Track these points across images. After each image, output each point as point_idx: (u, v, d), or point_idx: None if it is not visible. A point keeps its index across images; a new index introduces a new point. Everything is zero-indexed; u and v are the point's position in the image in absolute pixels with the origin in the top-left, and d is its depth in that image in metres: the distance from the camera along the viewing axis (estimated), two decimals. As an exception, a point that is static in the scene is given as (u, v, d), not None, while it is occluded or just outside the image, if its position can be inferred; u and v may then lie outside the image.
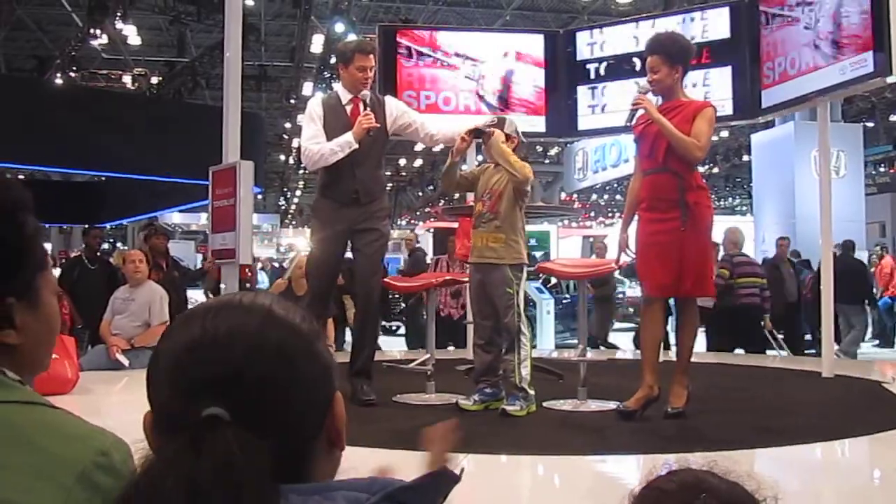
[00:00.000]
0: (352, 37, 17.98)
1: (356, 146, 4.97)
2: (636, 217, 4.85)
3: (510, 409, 4.56)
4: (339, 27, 17.40)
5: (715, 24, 7.03)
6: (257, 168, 6.89)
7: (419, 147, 27.54)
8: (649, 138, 4.65)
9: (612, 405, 4.82)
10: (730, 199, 41.70)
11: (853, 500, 3.32)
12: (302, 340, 0.95)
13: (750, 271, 8.61)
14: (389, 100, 5.47)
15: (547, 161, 31.22)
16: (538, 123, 7.68)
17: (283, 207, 47.51)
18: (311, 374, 0.94)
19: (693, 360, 4.82)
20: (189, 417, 0.85)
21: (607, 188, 37.01)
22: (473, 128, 4.98)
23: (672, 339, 5.82)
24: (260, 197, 35.64)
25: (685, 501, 1.06)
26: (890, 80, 5.62)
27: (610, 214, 42.55)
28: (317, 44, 19.05)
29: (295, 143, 30.67)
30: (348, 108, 5.13)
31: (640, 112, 4.72)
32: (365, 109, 5.10)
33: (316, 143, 5.04)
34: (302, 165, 34.20)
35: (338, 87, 5.33)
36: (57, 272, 7.76)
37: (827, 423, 4.47)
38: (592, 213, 43.79)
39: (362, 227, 5.09)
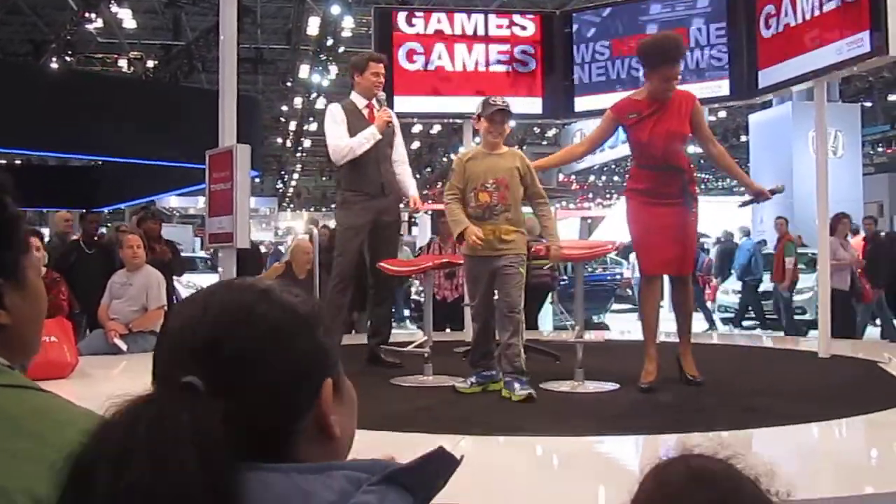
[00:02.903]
0: (347, 18, 17.95)
1: (380, 136, 5.69)
2: (627, 201, 5.15)
3: (523, 394, 4.49)
4: (335, 9, 17.33)
5: (710, 3, 7.00)
6: (254, 151, 6.86)
7: (416, 129, 27.50)
8: (659, 140, 4.88)
9: (609, 386, 4.86)
10: (727, 179, 41.63)
11: (850, 479, 3.34)
12: (297, 321, 0.97)
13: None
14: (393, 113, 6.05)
15: (545, 142, 31.17)
16: (535, 105, 7.67)
17: (281, 190, 47.44)
18: (300, 356, 0.95)
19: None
20: (170, 383, 0.88)
21: (605, 169, 36.99)
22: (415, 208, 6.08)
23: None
24: (257, 180, 35.61)
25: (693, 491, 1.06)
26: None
27: (608, 196, 42.53)
28: (313, 26, 18.96)
29: (292, 126, 30.65)
30: (365, 112, 5.83)
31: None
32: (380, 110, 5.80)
33: (343, 139, 5.68)
34: (300, 149, 34.21)
35: (353, 95, 5.94)
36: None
37: (824, 403, 4.48)
38: (590, 195, 43.78)
39: (386, 218, 5.82)
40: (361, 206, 5.75)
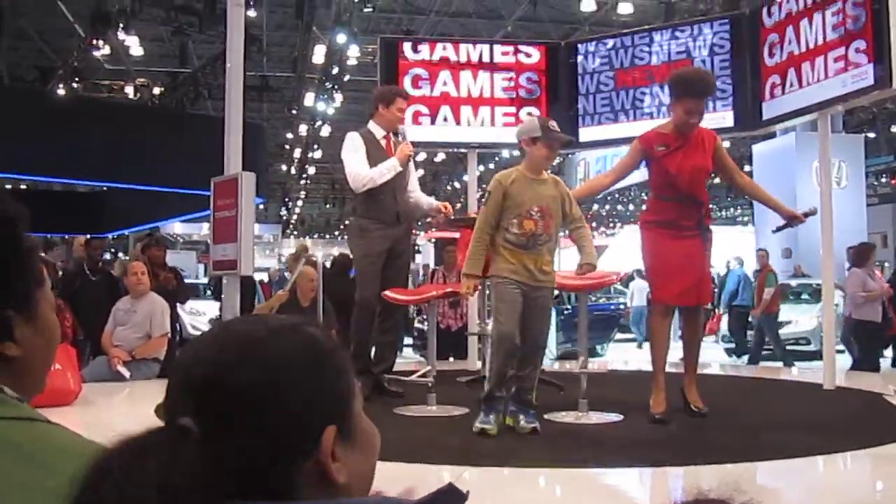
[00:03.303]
0: (353, 47, 18.06)
1: (400, 169, 5.80)
2: (640, 231, 5.20)
3: (527, 427, 4.44)
4: (341, 38, 17.43)
5: (716, 34, 7.03)
6: (259, 179, 6.88)
7: (420, 157, 27.59)
8: (686, 174, 4.95)
9: (613, 417, 4.84)
10: (731, 209, 41.68)
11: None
12: (307, 362, 0.94)
13: None
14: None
15: (548, 171, 31.21)
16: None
17: (285, 218, 47.51)
18: (303, 400, 0.92)
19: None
20: (168, 423, 0.88)
21: (609, 199, 37.03)
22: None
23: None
24: (262, 207, 35.67)
25: None
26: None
27: (611, 224, 42.55)
28: (318, 54, 19.07)
29: (297, 154, 30.74)
30: (383, 143, 5.93)
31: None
32: (397, 142, 5.94)
33: (364, 168, 5.76)
34: (304, 177, 34.29)
35: (371, 125, 6.02)
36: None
37: (828, 436, 4.46)
38: (594, 224, 43.81)
39: (400, 246, 5.92)
40: (378, 235, 5.81)
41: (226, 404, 0.89)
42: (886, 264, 17.22)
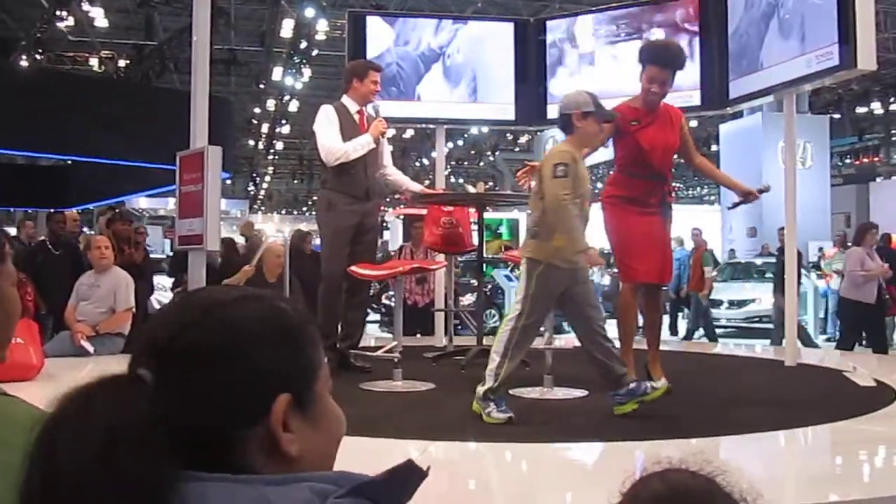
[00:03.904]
0: (322, 21, 17.92)
1: (373, 146, 5.77)
2: (604, 208, 5.14)
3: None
4: (310, 12, 17.30)
5: (682, 14, 7.04)
6: (226, 153, 6.82)
7: (389, 133, 27.49)
8: (659, 150, 4.96)
9: (578, 393, 4.87)
10: (697, 188, 41.99)
11: (815, 487, 3.37)
12: (267, 329, 0.96)
13: None
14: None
15: (517, 149, 31.25)
16: (508, 111, 7.70)
17: (253, 193, 47.21)
18: (257, 364, 0.93)
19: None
20: (127, 374, 0.90)
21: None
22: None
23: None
24: (229, 182, 35.38)
25: None
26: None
27: (579, 203, 42.64)
28: (287, 28, 18.91)
29: (265, 129, 30.51)
30: (356, 118, 5.87)
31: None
32: (372, 117, 5.87)
33: (337, 141, 5.71)
34: (272, 152, 34.05)
35: (345, 99, 5.94)
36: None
37: (789, 411, 4.52)
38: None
39: (368, 222, 5.88)
40: (346, 209, 5.77)
41: (182, 360, 0.91)
42: (849, 244, 17.39)
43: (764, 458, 3.86)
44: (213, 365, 0.91)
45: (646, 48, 5.20)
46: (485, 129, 23.97)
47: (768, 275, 14.98)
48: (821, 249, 17.33)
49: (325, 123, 5.80)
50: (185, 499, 0.85)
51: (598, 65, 7.40)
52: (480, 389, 4.20)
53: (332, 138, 5.74)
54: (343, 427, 1.04)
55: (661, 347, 5.32)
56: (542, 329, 4.79)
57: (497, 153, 32.24)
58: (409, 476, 0.93)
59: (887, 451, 4.04)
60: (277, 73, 21.93)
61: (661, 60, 4.98)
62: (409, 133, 27.91)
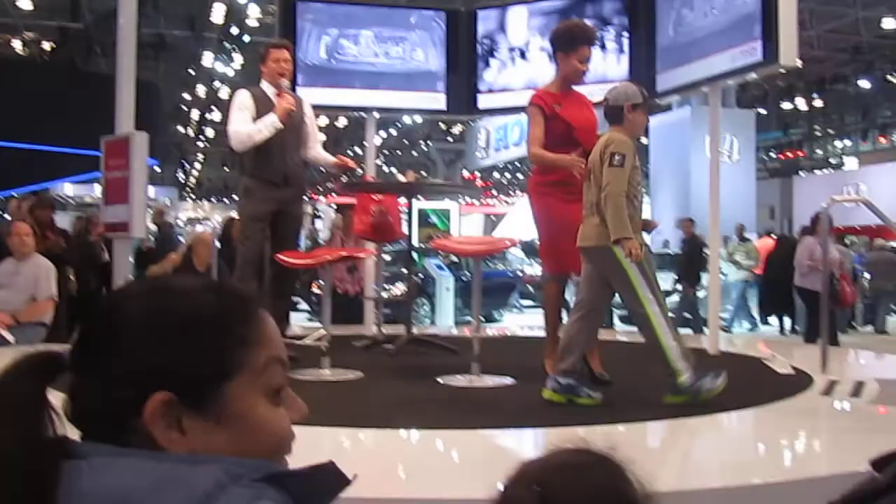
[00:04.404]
0: (253, 6, 17.72)
1: (280, 126, 5.48)
2: (532, 197, 5.10)
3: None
4: (241, -3, 17.09)
5: (612, 8, 7.13)
6: (154, 139, 6.74)
7: (322, 122, 27.27)
8: (584, 126, 4.88)
9: (506, 381, 4.91)
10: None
11: (737, 471, 3.46)
12: (175, 322, 0.94)
13: None
14: (306, 99, 6.01)
15: (450, 139, 31.33)
16: (439, 101, 7.72)
17: (182, 180, 46.49)
18: (142, 359, 0.92)
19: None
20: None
21: (509, 166, 37.34)
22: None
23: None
24: (157, 169, 34.81)
25: (530, 482, 1.07)
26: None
27: (511, 193, 42.96)
28: (218, 13, 18.66)
29: (195, 115, 30.07)
30: (275, 100, 5.61)
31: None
32: (299, 99, 5.74)
33: (244, 125, 5.51)
34: (202, 138, 33.58)
35: (262, 83, 5.74)
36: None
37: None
38: (494, 191, 44.16)
39: (287, 209, 5.67)
40: (263, 196, 5.61)
41: (81, 346, 0.95)
42: (772, 235, 17.85)
43: (686, 443, 3.95)
44: (95, 355, 0.93)
45: (572, 29, 5.10)
46: (418, 119, 23.97)
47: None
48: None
49: (236, 108, 5.61)
50: (91, 469, 0.85)
51: (530, 57, 7.45)
52: (683, 379, 4.20)
53: (240, 122, 5.54)
54: (278, 436, 0.98)
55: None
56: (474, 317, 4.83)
57: (430, 143, 32.27)
58: (331, 479, 0.92)
59: (803, 435, 4.17)
60: (208, 59, 21.63)
61: (591, 39, 4.99)
62: (343, 122, 27.72)
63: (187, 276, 1.03)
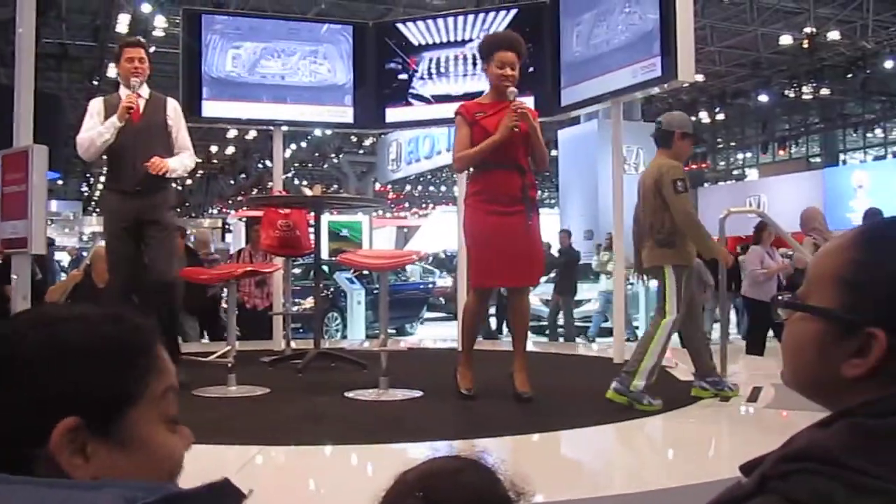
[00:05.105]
0: (159, 17, 17.44)
1: (118, 124, 5.12)
2: (466, 209, 4.99)
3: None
4: (146, 7, 16.81)
5: (521, 23, 7.22)
6: (55, 152, 6.57)
7: (231, 134, 26.96)
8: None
9: (414, 394, 4.92)
10: (539, 192, 43.04)
11: (643, 476, 3.55)
12: (78, 349, 0.95)
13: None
14: (172, 101, 5.55)
15: (361, 151, 31.26)
16: (346, 114, 7.72)
17: (87, 194, 45.35)
18: (45, 386, 0.93)
19: (487, 348, 5.10)
20: None
21: (421, 179, 37.48)
22: None
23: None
24: (60, 183, 33.91)
25: (410, 491, 1.13)
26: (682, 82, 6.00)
27: (423, 205, 43.08)
28: (122, 24, 18.26)
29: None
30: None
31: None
32: (146, 102, 5.32)
33: (86, 132, 5.21)
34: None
35: (121, 88, 5.39)
36: None
37: (615, 405, 4.72)
38: (406, 204, 44.23)
39: (147, 219, 5.23)
40: (117, 206, 5.30)
41: None
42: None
43: (592, 451, 4.03)
44: (9, 381, 0.92)
45: (487, 40, 5.11)
46: (328, 132, 23.88)
47: (601, 276, 15.54)
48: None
49: (87, 116, 5.33)
50: None
51: (436, 70, 7.51)
52: (637, 384, 4.55)
53: (84, 129, 5.26)
54: (175, 462, 1.01)
55: (495, 348, 5.42)
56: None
57: (341, 156, 32.16)
58: (226, 495, 0.93)
59: (703, 440, 4.30)
60: (112, 70, 21.15)
61: (504, 44, 4.91)
62: (252, 134, 27.42)
63: (86, 306, 1.03)
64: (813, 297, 0.98)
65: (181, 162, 5.41)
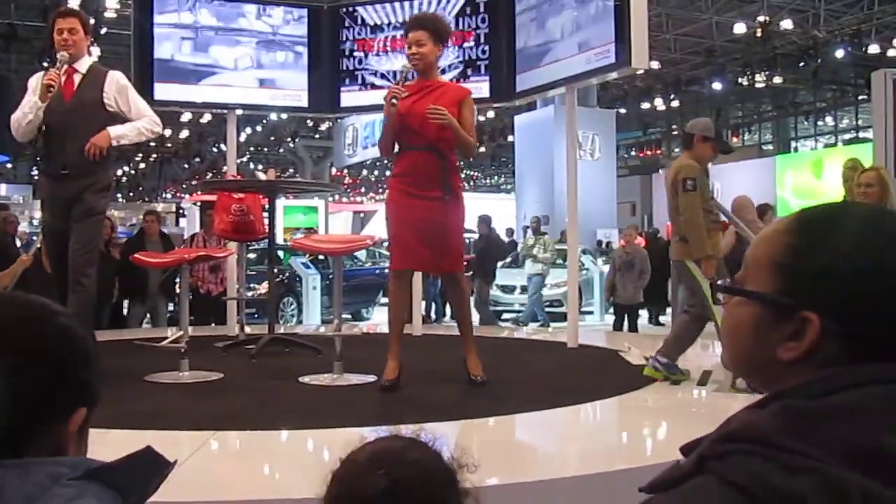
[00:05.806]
0: (111, -1, 17.15)
1: (39, 103, 4.75)
2: (388, 190, 5.02)
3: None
4: (98, -12, 16.51)
5: (475, 7, 7.21)
6: (4, 135, 6.43)
7: (185, 117, 26.60)
8: (417, 115, 4.65)
9: (368, 378, 4.92)
10: (495, 177, 43.18)
11: (594, 459, 3.59)
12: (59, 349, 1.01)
13: None
14: (114, 75, 5.11)
15: (317, 136, 31.08)
16: (301, 99, 7.66)
17: (37, 178, 44.57)
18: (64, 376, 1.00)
19: (442, 332, 5.10)
20: None
21: (378, 164, 37.34)
22: None
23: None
24: (10, 166, 33.32)
25: (369, 471, 1.16)
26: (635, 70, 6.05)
27: (380, 190, 42.96)
28: (73, 3, 17.96)
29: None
30: (64, 78, 4.92)
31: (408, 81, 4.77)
32: (82, 78, 4.98)
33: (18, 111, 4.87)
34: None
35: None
36: None
37: (570, 388, 4.77)
38: (363, 189, 44.09)
39: (74, 205, 4.87)
40: (48, 191, 5.02)
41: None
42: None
43: (547, 434, 4.06)
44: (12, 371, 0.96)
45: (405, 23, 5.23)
46: (284, 116, 23.70)
47: (559, 261, 15.58)
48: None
49: (26, 94, 4.94)
50: None
51: (391, 49, 7.46)
52: (666, 361, 4.96)
53: (19, 108, 4.88)
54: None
55: (443, 332, 5.41)
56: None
57: (297, 140, 31.93)
58: (150, 464, 0.94)
59: (657, 422, 4.37)
60: (63, 51, 20.79)
61: (411, 25, 4.88)
62: (207, 117, 27.10)
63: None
64: (750, 281, 1.00)
65: (133, 127, 5.02)
